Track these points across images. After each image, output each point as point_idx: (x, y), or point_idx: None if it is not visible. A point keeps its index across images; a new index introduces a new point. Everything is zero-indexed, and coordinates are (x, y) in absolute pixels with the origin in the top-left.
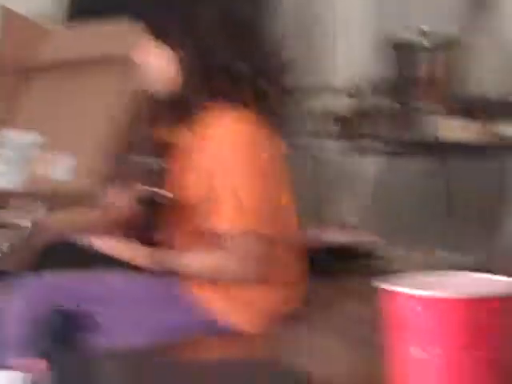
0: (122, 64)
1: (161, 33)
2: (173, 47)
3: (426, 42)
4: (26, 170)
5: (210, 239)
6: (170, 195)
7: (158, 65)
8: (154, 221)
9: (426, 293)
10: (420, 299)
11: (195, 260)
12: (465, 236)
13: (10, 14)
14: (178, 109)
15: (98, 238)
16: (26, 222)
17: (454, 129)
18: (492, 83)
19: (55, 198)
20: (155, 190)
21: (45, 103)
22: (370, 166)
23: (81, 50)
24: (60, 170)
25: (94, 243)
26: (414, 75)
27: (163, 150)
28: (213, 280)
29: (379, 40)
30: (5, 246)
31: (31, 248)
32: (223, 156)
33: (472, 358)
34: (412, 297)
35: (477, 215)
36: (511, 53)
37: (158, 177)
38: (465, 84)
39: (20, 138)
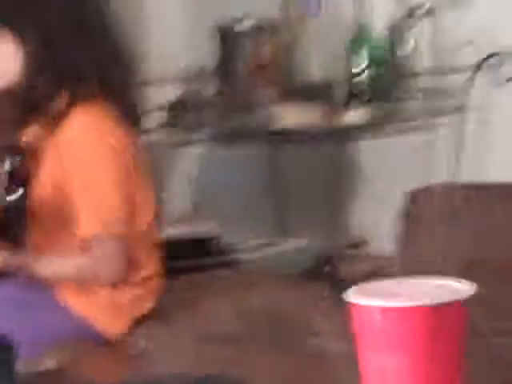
0: None
1: (5, 22)
2: (17, 39)
3: (248, 27)
4: None
5: (69, 241)
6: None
7: (4, 58)
8: (12, 222)
9: (385, 302)
10: (379, 309)
11: (56, 263)
12: (301, 223)
13: None
14: (23, 104)
15: None
16: None
17: (287, 115)
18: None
19: None
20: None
21: None
22: (197, 156)
23: None
24: None
25: None
26: (238, 61)
27: (15, 149)
28: (75, 283)
29: (201, 26)
30: None
31: None
32: (75, 155)
33: (435, 364)
34: (371, 307)
35: (313, 201)
36: (341, 36)
37: (12, 177)
38: (293, 69)
39: None
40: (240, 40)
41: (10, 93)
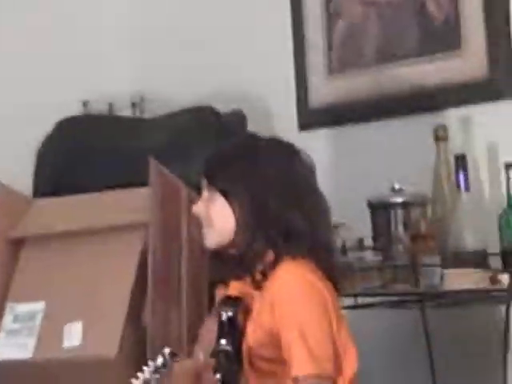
0: (123, 232)
1: (222, 187)
2: (231, 202)
3: (401, 200)
4: (34, 340)
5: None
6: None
7: (219, 218)
8: (229, 372)
9: None
10: None
11: None
12: None
13: None
14: (238, 264)
15: None
16: None
17: (453, 279)
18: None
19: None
20: (223, 343)
21: (45, 272)
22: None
23: (82, 219)
24: (69, 337)
25: None
26: (397, 232)
27: (230, 303)
28: None
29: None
30: None
31: None
32: (291, 308)
33: None
34: None
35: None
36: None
37: (230, 329)
38: (448, 240)
39: (24, 308)
40: (394, 212)
41: (224, 250)
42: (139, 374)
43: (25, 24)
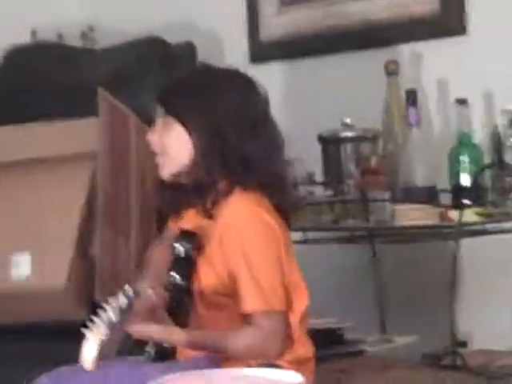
0: (71, 161)
1: (181, 115)
2: (189, 130)
3: (351, 135)
4: None
5: (230, 320)
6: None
7: (176, 146)
8: (181, 305)
9: None
10: None
11: (226, 339)
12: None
13: None
14: (192, 193)
15: (133, 325)
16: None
17: (404, 214)
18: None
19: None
20: (177, 278)
21: None
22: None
23: (31, 148)
24: (16, 268)
25: (131, 330)
26: (347, 167)
27: (186, 238)
28: (240, 360)
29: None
30: None
31: None
32: (234, 237)
33: None
34: None
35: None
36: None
37: (184, 263)
38: (398, 175)
39: None
40: (344, 147)
41: (177, 179)
42: (102, 313)
43: None
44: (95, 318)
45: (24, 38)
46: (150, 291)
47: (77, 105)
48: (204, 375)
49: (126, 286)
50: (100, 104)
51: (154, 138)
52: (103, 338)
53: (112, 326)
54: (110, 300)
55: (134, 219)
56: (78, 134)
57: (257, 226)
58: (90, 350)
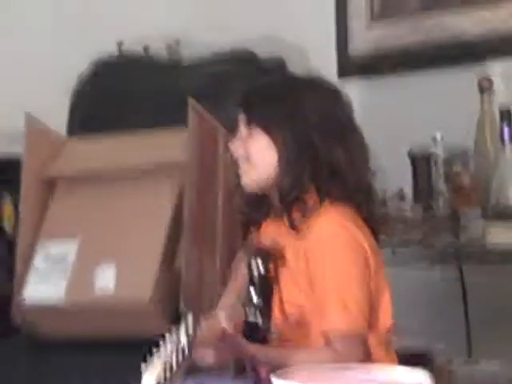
0: (159, 172)
1: (266, 123)
2: (274, 138)
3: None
4: (64, 282)
5: (315, 340)
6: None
7: (260, 156)
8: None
9: None
10: None
11: (302, 357)
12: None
13: (33, 122)
14: (278, 205)
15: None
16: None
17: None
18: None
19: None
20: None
21: (78, 212)
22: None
23: (118, 159)
24: (101, 279)
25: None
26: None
27: (262, 256)
28: None
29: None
30: None
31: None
32: (327, 258)
33: None
34: None
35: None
36: None
37: (261, 282)
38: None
39: (56, 248)
40: (435, 163)
41: (261, 189)
42: (161, 345)
43: None
44: (155, 352)
45: (110, 50)
46: (224, 322)
47: (163, 116)
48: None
49: (189, 316)
50: (190, 114)
51: (236, 146)
52: (161, 377)
53: (171, 363)
54: (173, 330)
55: (220, 233)
56: (167, 145)
57: (345, 244)
58: (150, 375)
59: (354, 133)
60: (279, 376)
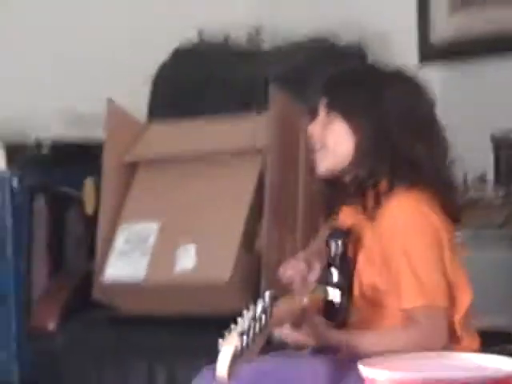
0: (240, 156)
1: (346, 111)
2: (352, 125)
3: None
4: (145, 262)
5: (393, 319)
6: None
7: (337, 142)
8: (339, 306)
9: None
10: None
11: (381, 338)
12: None
13: (114, 108)
14: (353, 192)
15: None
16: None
17: None
18: None
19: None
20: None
21: (159, 195)
22: None
23: (198, 143)
24: (182, 260)
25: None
26: None
27: (340, 235)
28: None
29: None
30: None
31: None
32: (402, 239)
33: None
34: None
35: None
36: None
37: (340, 261)
38: None
39: (137, 229)
40: None
41: (335, 176)
42: (239, 320)
43: None
44: (232, 326)
45: (191, 38)
46: (304, 300)
47: (242, 103)
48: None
49: (267, 292)
50: (271, 98)
51: (314, 130)
52: (238, 347)
53: (248, 334)
54: (251, 307)
55: (301, 215)
56: (248, 129)
57: (418, 224)
58: (223, 359)
59: (434, 128)
60: (367, 364)
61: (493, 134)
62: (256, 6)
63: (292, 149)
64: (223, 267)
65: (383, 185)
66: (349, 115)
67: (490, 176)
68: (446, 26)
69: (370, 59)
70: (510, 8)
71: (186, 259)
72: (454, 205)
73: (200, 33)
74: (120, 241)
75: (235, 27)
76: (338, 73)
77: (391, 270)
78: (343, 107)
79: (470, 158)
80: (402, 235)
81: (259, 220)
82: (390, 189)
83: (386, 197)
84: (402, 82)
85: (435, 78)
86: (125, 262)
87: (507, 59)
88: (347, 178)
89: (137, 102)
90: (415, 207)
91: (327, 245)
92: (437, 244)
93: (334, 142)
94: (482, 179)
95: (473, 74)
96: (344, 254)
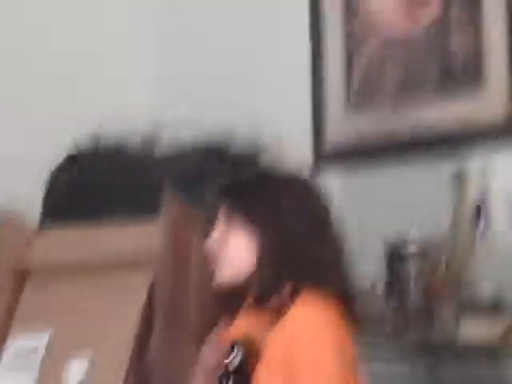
0: (130, 267)
1: (245, 221)
2: (254, 235)
3: (415, 250)
4: (34, 377)
5: None
6: None
7: (238, 249)
8: None
9: None
10: None
11: None
12: None
13: (5, 215)
14: (255, 297)
15: None
16: None
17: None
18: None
19: None
20: None
21: (49, 306)
22: None
23: (87, 253)
24: (72, 375)
25: None
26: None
27: (237, 348)
28: None
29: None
30: None
31: None
32: (308, 353)
33: None
34: None
35: None
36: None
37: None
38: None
39: (26, 342)
40: (408, 260)
41: (236, 281)
42: None
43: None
44: None
45: (87, 138)
46: None
47: (137, 208)
48: None
49: None
50: (165, 205)
51: (213, 243)
52: None
53: None
54: None
55: (194, 326)
56: (139, 239)
57: (327, 337)
58: None
59: (331, 228)
60: None
61: (384, 245)
62: (153, 107)
63: (185, 255)
64: (114, 380)
65: (287, 288)
66: (247, 226)
67: (381, 285)
68: (340, 128)
69: (266, 161)
70: (401, 113)
71: (76, 372)
72: (355, 312)
73: (93, 136)
74: (9, 355)
75: (131, 131)
76: (234, 182)
77: (295, 380)
78: (242, 218)
79: (362, 266)
80: (309, 349)
81: (151, 331)
82: (295, 291)
83: (290, 301)
84: (297, 188)
85: (330, 180)
86: (13, 377)
87: (399, 163)
88: (248, 283)
89: (30, 208)
90: (319, 316)
91: (223, 358)
92: (347, 356)
93: (235, 252)
94: (374, 290)
95: (366, 177)
96: (239, 370)
